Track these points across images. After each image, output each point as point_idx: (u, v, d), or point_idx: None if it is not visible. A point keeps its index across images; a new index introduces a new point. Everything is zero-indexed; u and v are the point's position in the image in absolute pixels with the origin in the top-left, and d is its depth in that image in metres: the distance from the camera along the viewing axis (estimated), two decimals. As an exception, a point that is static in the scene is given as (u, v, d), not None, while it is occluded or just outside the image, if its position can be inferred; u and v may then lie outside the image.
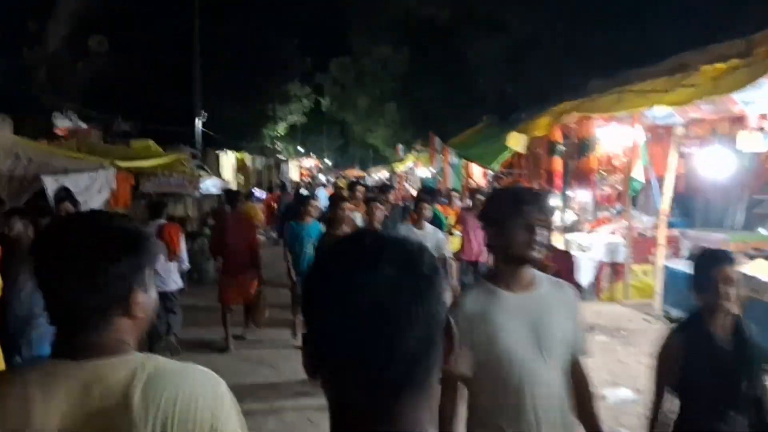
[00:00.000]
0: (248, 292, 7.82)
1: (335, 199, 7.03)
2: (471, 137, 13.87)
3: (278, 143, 38.73)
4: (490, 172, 15.19)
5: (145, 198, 13.53)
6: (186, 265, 7.62)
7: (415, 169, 31.45)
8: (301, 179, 37.87)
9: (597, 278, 10.08)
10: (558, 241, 11.27)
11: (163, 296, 7.08)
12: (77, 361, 1.34)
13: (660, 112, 8.26)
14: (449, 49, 29.60)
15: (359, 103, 33.27)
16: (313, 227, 7.45)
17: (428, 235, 6.64)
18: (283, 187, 22.58)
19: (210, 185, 12.92)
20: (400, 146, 32.68)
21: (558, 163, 11.15)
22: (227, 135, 29.42)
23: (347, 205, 7.86)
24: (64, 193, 6.96)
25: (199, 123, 20.75)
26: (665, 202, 8.62)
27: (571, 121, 9.92)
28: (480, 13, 27.26)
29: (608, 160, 10.27)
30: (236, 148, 25.96)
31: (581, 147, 9.88)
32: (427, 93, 31.29)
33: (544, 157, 11.83)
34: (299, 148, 53.30)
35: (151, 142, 14.16)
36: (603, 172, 10.80)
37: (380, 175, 50.08)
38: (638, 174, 8.34)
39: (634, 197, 12.27)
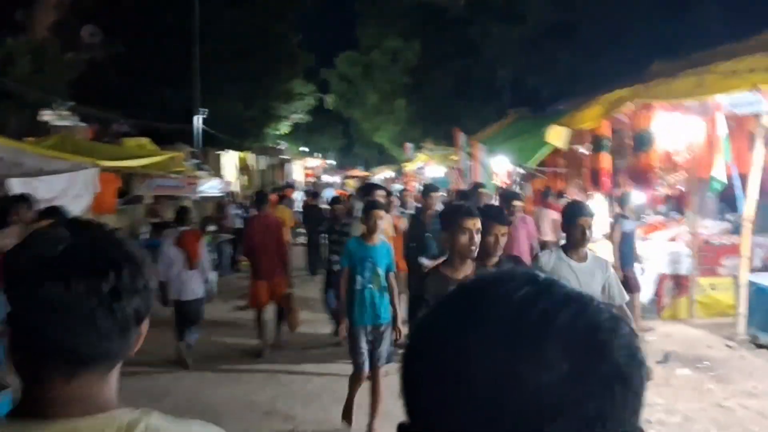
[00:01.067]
0: (278, 293, 7.42)
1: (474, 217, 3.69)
2: (499, 133, 12.52)
3: (282, 143, 37.36)
4: (517, 171, 13.85)
5: (139, 201, 12.26)
6: (208, 273, 7.28)
7: (425, 168, 30.16)
8: (306, 179, 36.61)
9: (657, 293, 8.72)
10: (605, 250, 9.94)
11: (180, 305, 6.87)
12: (49, 420, 1.05)
13: (742, 99, 6.95)
14: (463, 41, 28.29)
15: (368, 100, 31.85)
16: (382, 250, 5.30)
17: (595, 272, 4.17)
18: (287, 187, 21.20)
19: (210, 186, 11.60)
20: (409, 145, 31.32)
21: (606, 161, 9.79)
22: (229, 134, 28.18)
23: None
24: (26, 206, 5.56)
25: (198, 120, 19.38)
26: (750, 205, 7.24)
27: (627, 111, 8.60)
28: (496, 2, 25.99)
29: (667, 156, 8.89)
30: (238, 148, 24.62)
31: (638, 141, 8.52)
32: (440, 87, 30.01)
33: (588, 154, 10.47)
34: (303, 148, 51.95)
35: (146, 141, 12.88)
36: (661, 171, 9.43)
37: (385, 174, 49.10)
38: (719, 172, 7.00)
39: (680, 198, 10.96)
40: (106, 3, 21.04)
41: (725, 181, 7.16)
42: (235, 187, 20.61)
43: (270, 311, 7.69)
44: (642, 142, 8.46)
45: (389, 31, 29.29)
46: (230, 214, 14.07)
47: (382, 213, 5.34)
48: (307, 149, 52.87)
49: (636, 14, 16.91)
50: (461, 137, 11.95)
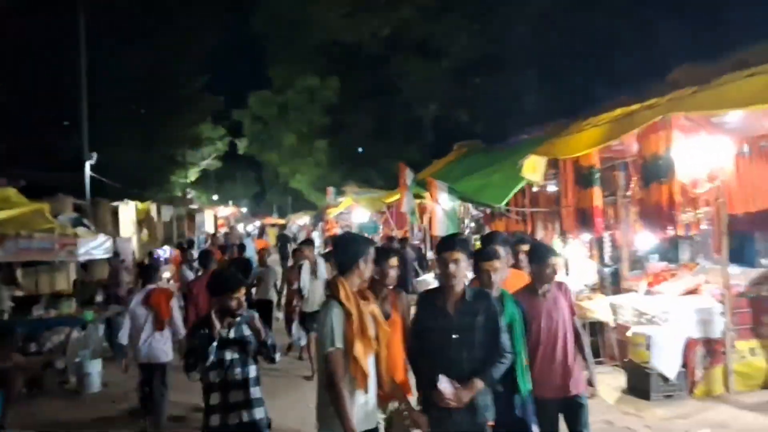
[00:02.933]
0: None
1: None
2: (446, 169, 10.55)
3: (190, 191, 34.42)
4: (470, 213, 11.90)
5: (-2, 270, 9.52)
6: (181, 333, 6.57)
7: (350, 213, 28.08)
8: (218, 230, 33.70)
9: (686, 364, 6.78)
10: (600, 307, 7.99)
11: (149, 368, 6.50)
12: None
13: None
14: (381, 78, 26.74)
15: (284, 141, 29.49)
16: None
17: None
18: (190, 243, 17.92)
19: (95, 246, 8.99)
20: (331, 189, 29.20)
21: (598, 197, 7.95)
22: (129, 183, 25.30)
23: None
24: None
25: (87, 168, 16.57)
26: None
27: (627, 135, 6.75)
28: (413, 38, 24.61)
29: (683, 189, 7.06)
30: (139, 198, 21.71)
31: (650, 170, 6.66)
32: (359, 128, 28.20)
33: (570, 189, 8.60)
34: (214, 197, 48.80)
35: (13, 192, 10.15)
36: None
37: (301, 221, 46.98)
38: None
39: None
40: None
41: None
42: (133, 243, 17.78)
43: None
44: (656, 171, 6.60)
45: (304, 69, 27.31)
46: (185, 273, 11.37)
47: None
48: (216, 198, 49.77)
49: (560, 35, 15.62)
50: (408, 174, 9.89)
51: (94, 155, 17.25)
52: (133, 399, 7.62)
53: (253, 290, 9.82)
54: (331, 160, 29.51)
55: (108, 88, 23.46)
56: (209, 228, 31.17)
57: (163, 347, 6.49)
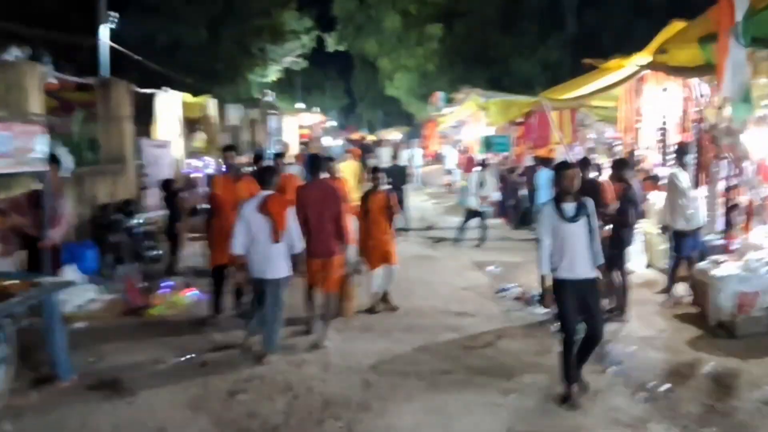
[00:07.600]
0: (330, 277, 6.38)
1: None
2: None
3: (268, 92, 29.02)
4: None
5: None
6: (298, 248, 5.85)
7: (462, 126, 22.02)
8: (301, 141, 28.36)
9: None
10: None
11: (263, 285, 5.76)
12: None
13: None
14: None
15: (386, 24, 23.22)
16: None
17: None
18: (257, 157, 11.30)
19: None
20: (440, 94, 23.09)
21: None
22: (195, 76, 20.24)
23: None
24: None
25: (102, 33, 11.17)
26: None
27: None
28: None
29: None
30: (200, 92, 16.37)
31: None
32: (481, 15, 21.72)
33: None
34: (298, 104, 43.24)
35: None
36: None
37: (393, 137, 41.53)
38: None
39: None
40: None
41: None
42: (177, 149, 12.51)
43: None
44: None
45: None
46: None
47: None
48: (302, 106, 44.21)
49: None
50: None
51: (115, 16, 11.84)
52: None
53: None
54: (441, 56, 23.26)
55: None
56: (290, 138, 25.73)
57: (279, 260, 5.71)
